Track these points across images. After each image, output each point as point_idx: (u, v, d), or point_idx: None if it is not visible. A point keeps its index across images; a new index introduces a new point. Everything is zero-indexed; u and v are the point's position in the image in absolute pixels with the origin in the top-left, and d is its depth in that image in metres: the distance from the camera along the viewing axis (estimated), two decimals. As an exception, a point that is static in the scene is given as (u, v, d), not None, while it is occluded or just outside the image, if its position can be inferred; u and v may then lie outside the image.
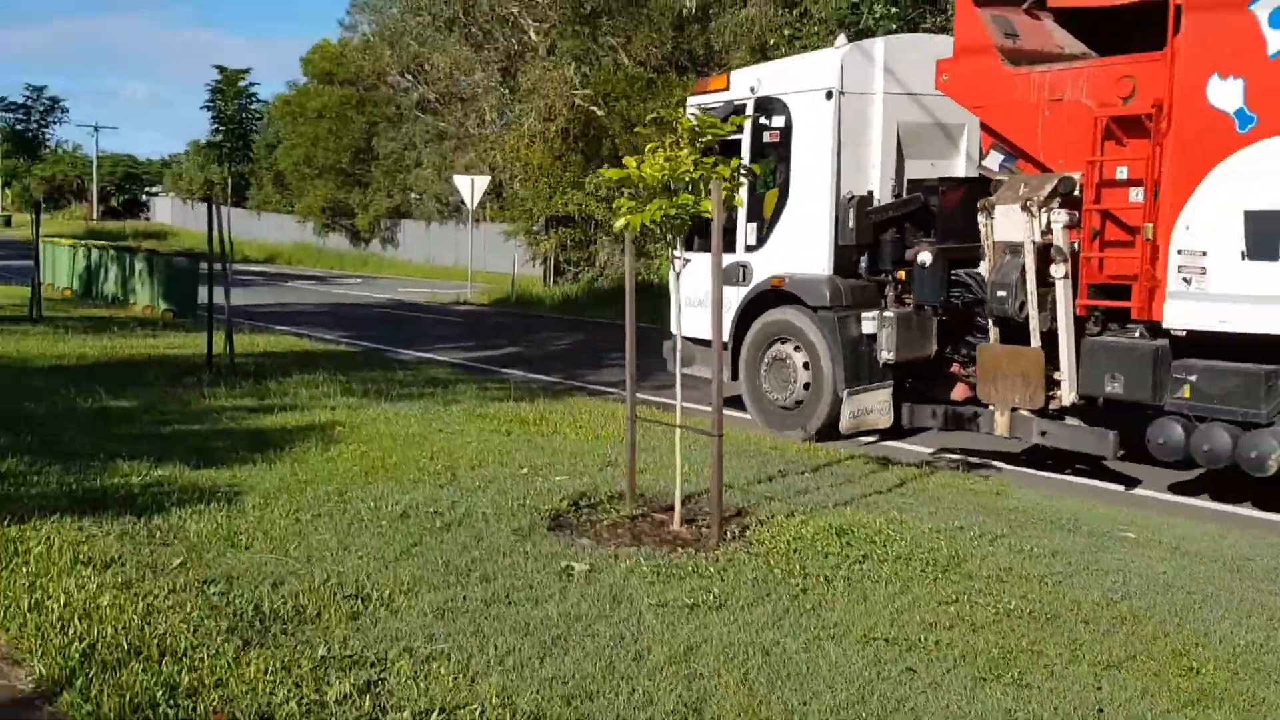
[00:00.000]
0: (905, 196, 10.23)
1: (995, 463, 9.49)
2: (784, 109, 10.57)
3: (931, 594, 5.39)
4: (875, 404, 9.90)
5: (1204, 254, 7.81)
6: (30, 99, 18.42)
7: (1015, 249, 8.72)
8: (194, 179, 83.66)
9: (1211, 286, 7.79)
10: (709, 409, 6.37)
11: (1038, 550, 6.27)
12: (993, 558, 6.06)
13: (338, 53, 58.00)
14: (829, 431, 10.16)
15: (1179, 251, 7.93)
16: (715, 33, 25.19)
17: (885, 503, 7.33)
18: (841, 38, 10.68)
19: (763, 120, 10.64)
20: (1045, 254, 8.55)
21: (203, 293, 21.84)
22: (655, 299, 12.32)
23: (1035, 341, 8.67)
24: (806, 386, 10.40)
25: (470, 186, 28.82)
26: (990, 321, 9.01)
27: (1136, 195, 8.17)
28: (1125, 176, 8.30)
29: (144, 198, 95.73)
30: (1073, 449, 8.86)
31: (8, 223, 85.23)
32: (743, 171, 6.59)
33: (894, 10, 18.09)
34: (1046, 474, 9.26)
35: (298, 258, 52.10)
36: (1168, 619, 5.21)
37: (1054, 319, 8.55)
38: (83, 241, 27.47)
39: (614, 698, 4.12)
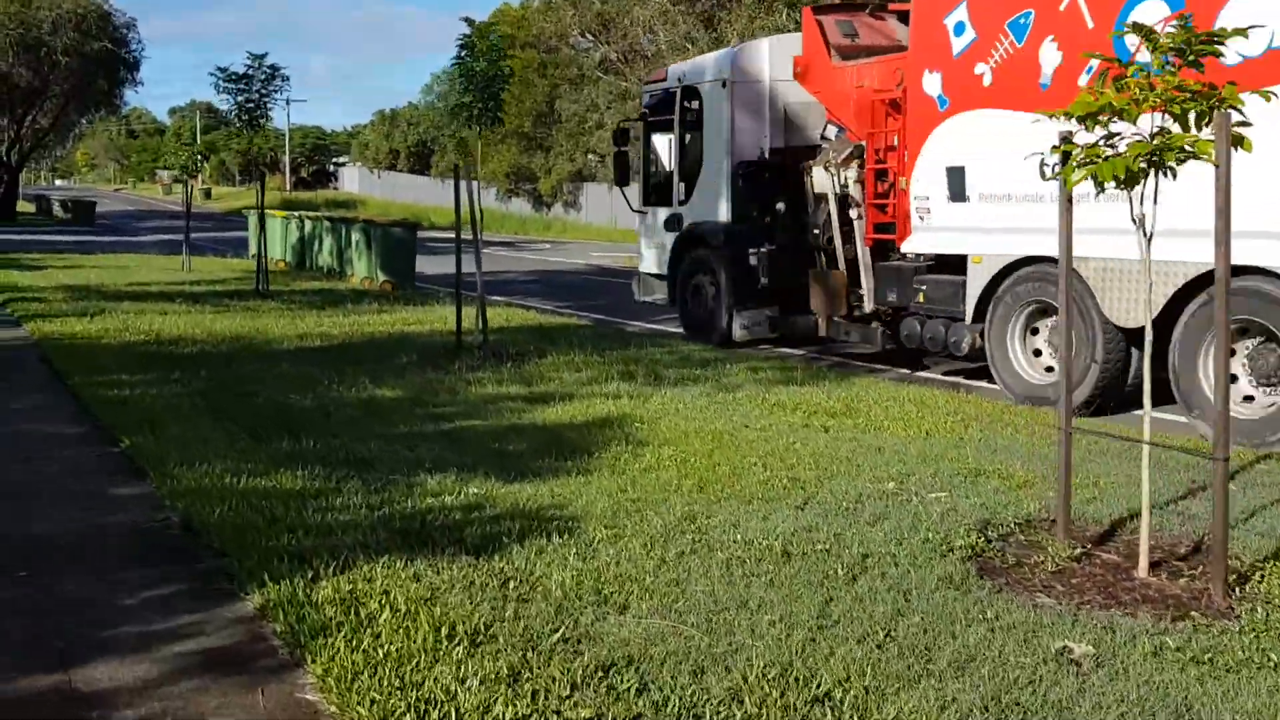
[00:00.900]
0: (768, 161, 12.70)
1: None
2: (698, 95, 13.37)
3: None
4: (759, 319, 12.76)
5: (927, 198, 10.38)
6: (251, 68, 17.83)
7: (823, 199, 11.73)
8: (379, 148, 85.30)
9: (933, 222, 10.41)
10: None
11: None
12: None
13: (519, 16, 57.58)
14: (727, 341, 12.85)
15: (914, 197, 10.52)
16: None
17: None
18: (736, 40, 13.66)
19: (686, 103, 13.48)
20: (845, 202, 11.51)
21: (420, 263, 21.29)
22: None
23: (841, 267, 11.72)
24: (713, 307, 13.09)
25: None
26: (816, 253, 12.07)
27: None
28: (895, 143, 10.95)
29: (331, 168, 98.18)
30: (862, 343, 12.07)
31: (208, 195, 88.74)
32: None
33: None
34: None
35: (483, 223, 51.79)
36: None
37: (854, 250, 11.49)
38: (295, 213, 27.37)
39: None
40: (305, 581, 4.59)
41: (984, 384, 10.68)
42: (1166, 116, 4.66)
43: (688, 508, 5.92)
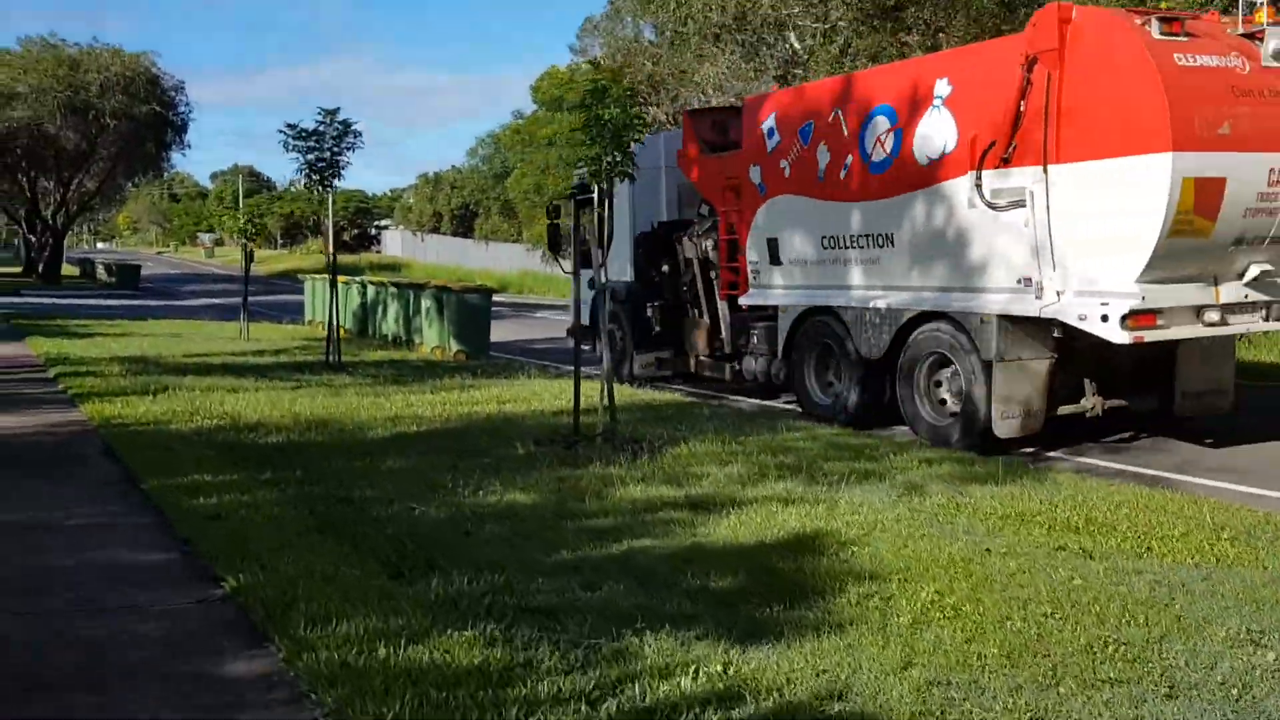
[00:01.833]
0: (658, 233, 15.14)
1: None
2: None
3: None
4: (651, 361, 15.18)
5: (756, 263, 12.72)
6: (322, 124, 16.55)
7: (690, 263, 14.32)
8: (422, 211, 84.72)
9: (760, 281, 12.75)
10: None
11: None
12: None
13: (567, 78, 56.76)
14: (632, 378, 14.93)
15: (750, 262, 12.83)
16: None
17: None
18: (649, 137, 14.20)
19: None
20: (706, 265, 13.97)
21: (494, 331, 19.84)
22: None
23: (706, 318, 14.25)
24: (622, 350, 15.31)
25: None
26: (690, 306, 14.61)
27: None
28: (735, 220, 13.13)
29: (374, 231, 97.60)
30: (719, 378, 14.42)
31: (251, 258, 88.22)
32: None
33: None
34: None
35: (526, 285, 50.52)
36: None
37: (715, 304, 13.92)
38: (357, 279, 26.05)
39: None
40: None
41: (1180, 477, 8.98)
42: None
43: (1023, 700, 4.26)
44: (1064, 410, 10.27)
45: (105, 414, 11.11)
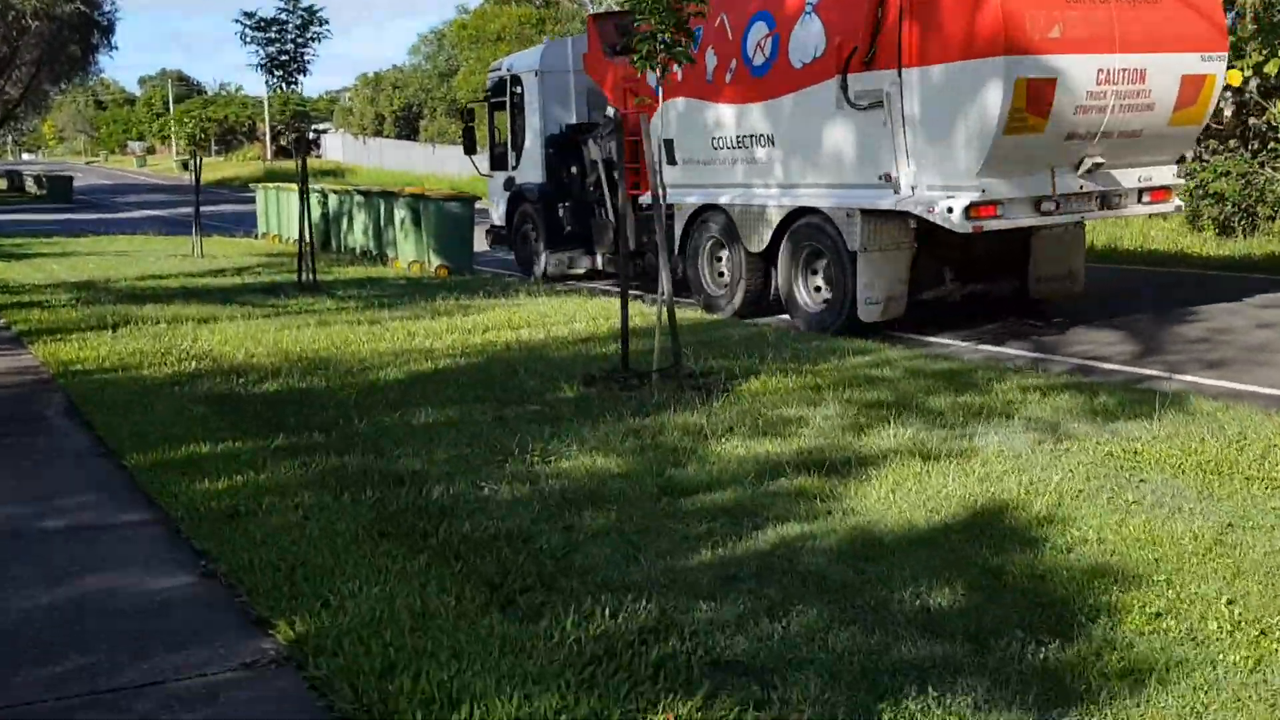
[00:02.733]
0: (567, 135, 15.78)
1: None
2: (520, 81, 16.56)
3: None
4: (563, 259, 15.93)
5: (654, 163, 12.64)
6: (285, 11, 14.53)
7: (595, 164, 15.03)
8: (364, 114, 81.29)
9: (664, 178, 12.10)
10: None
11: None
12: None
13: (515, -31, 53.85)
14: (544, 276, 15.97)
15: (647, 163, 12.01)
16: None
17: None
18: (546, 38, 18.61)
19: (513, 88, 16.61)
20: (610, 166, 14.58)
21: (478, 243, 18.12)
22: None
23: (611, 216, 14.93)
24: (534, 249, 16.22)
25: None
26: (597, 206, 15.39)
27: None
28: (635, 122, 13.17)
29: (313, 135, 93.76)
30: (615, 272, 14.38)
31: (185, 166, 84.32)
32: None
33: None
34: None
35: (480, 189, 48.22)
36: None
37: (619, 203, 12.62)
38: (316, 187, 23.97)
39: None
40: None
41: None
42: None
43: None
44: (927, 295, 11.31)
45: (61, 357, 9.36)
